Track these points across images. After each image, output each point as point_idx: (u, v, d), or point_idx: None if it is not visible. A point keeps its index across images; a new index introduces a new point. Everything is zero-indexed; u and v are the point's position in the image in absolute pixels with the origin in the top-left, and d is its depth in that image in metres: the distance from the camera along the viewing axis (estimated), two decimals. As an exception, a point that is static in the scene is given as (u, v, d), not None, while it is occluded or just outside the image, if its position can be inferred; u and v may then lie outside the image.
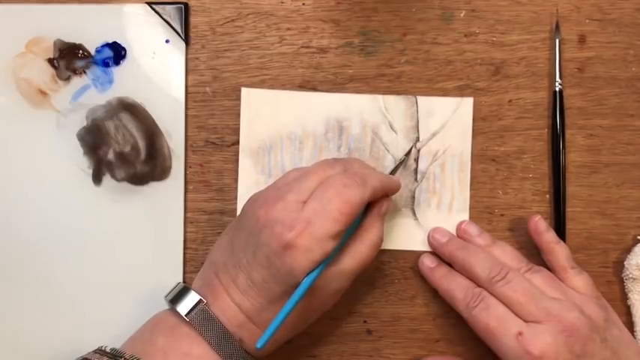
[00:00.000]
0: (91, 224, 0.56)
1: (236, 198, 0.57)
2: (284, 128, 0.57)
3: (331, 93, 0.57)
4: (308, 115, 0.57)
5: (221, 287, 0.49)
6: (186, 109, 0.57)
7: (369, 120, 0.57)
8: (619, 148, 0.57)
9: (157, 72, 0.57)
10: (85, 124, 0.57)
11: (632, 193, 0.57)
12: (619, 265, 0.56)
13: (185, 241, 0.57)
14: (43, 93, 0.57)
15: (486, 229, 0.56)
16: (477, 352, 0.56)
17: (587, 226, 0.57)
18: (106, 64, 0.57)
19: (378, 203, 0.52)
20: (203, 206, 0.57)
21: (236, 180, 0.57)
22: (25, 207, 0.56)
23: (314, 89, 0.57)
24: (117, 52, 0.57)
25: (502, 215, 0.57)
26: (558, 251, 0.53)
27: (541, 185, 0.57)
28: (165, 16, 0.57)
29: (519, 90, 0.57)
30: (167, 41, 0.57)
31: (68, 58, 0.57)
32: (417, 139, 0.57)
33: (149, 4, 0.57)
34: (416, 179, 0.57)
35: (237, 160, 0.57)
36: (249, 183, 0.56)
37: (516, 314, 0.50)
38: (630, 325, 0.56)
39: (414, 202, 0.57)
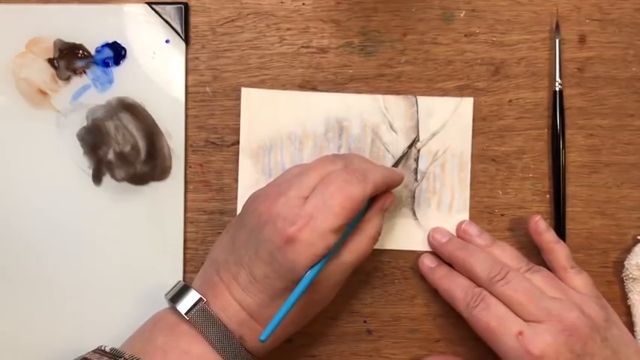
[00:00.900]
0: (91, 224, 0.56)
1: (236, 198, 0.57)
2: (284, 128, 0.57)
3: (331, 93, 0.57)
4: (308, 115, 0.57)
5: (222, 285, 0.49)
6: (187, 109, 0.57)
7: (369, 120, 0.57)
8: (619, 148, 0.57)
9: (157, 72, 0.57)
10: (85, 124, 0.57)
11: (632, 193, 0.57)
12: (619, 265, 0.56)
13: (185, 241, 0.57)
14: (43, 93, 0.57)
15: (486, 229, 0.56)
16: (477, 352, 0.56)
17: (587, 226, 0.57)
18: (106, 64, 0.57)
19: (381, 198, 0.52)
20: (203, 206, 0.57)
21: (236, 180, 0.57)
22: (25, 207, 0.56)
23: (314, 89, 0.57)
24: (117, 52, 0.57)
25: (502, 215, 0.57)
26: (558, 251, 0.53)
27: (541, 185, 0.57)
28: (165, 16, 0.57)
29: (519, 90, 0.57)
30: (167, 41, 0.57)
31: (68, 58, 0.57)
32: (417, 139, 0.57)
33: (149, 4, 0.57)
34: (416, 179, 0.57)
35: (237, 160, 0.57)
36: (249, 183, 0.56)
37: (516, 314, 0.50)
38: (630, 325, 0.56)
39: (414, 202, 0.57)
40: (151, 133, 0.56)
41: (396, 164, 0.56)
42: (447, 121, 0.57)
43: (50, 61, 0.57)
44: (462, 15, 0.57)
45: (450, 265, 0.55)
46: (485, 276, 0.52)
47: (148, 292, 0.56)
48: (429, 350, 0.57)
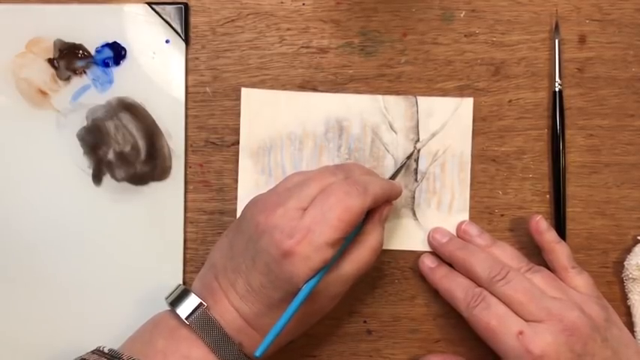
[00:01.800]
0: (91, 224, 0.56)
1: (236, 198, 0.57)
2: (284, 128, 0.57)
3: (331, 93, 0.57)
4: (308, 115, 0.57)
5: (220, 291, 0.49)
6: (187, 109, 0.57)
7: (369, 120, 0.57)
8: (619, 148, 0.57)
9: (157, 72, 0.57)
10: (85, 124, 0.57)
11: (632, 193, 0.57)
12: (619, 265, 0.56)
13: (185, 241, 0.57)
14: (43, 93, 0.57)
15: (486, 229, 0.56)
16: (477, 352, 0.56)
17: (587, 226, 0.57)
18: (106, 64, 0.57)
19: (378, 209, 0.51)
20: (203, 206, 0.57)
21: (236, 180, 0.57)
22: (24, 207, 0.56)
23: (314, 89, 0.57)
24: (117, 52, 0.57)
25: (502, 215, 0.57)
26: (559, 251, 0.53)
27: (541, 185, 0.57)
28: (165, 16, 0.57)
29: (519, 90, 0.57)
30: (167, 41, 0.57)
31: (68, 58, 0.57)
32: (417, 140, 0.57)
33: (149, 4, 0.57)
34: (416, 179, 0.57)
35: (237, 160, 0.57)
36: (249, 183, 0.56)
37: (517, 314, 0.50)
38: (630, 325, 0.56)
39: (414, 202, 0.57)
40: (151, 133, 0.56)
41: (393, 176, 0.56)
42: (447, 122, 0.57)
43: (50, 61, 0.57)
44: (462, 15, 0.57)
45: (450, 265, 0.55)
46: (485, 276, 0.52)
47: (147, 293, 0.56)
48: (429, 350, 0.57)
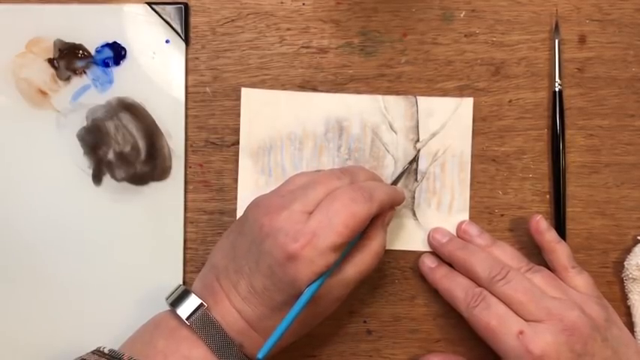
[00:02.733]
0: (91, 224, 0.56)
1: (236, 198, 0.57)
2: (284, 128, 0.57)
3: (331, 93, 0.57)
4: (308, 115, 0.57)
5: (222, 292, 0.49)
6: (187, 109, 0.57)
7: (369, 120, 0.57)
8: (619, 148, 0.57)
9: (157, 72, 0.57)
10: (85, 124, 0.57)
11: (632, 193, 0.57)
12: (619, 266, 0.56)
13: (185, 241, 0.57)
14: (43, 93, 0.57)
15: (486, 229, 0.56)
16: (477, 352, 0.56)
17: (587, 226, 0.57)
18: (106, 64, 0.57)
19: (382, 214, 0.51)
20: (203, 206, 0.57)
21: (236, 180, 0.57)
22: (24, 207, 0.56)
23: (314, 89, 0.57)
24: (117, 52, 0.57)
25: (502, 215, 0.57)
26: (559, 250, 0.53)
27: (541, 185, 0.57)
28: (165, 16, 0.57)
29: (519, 90, 0.57)
30: (167, 41, 0.57)
31: (68, 58, 0.57)
32: (417, 140, 0.57)
33: (149, 4, 0.57)
34: (416, 179, 0.57)
35: (237, 160, 0.57)
36: (249, 183, 0.56)
37: (517, 314, 0.50)
38: (630, 325, 0.56)
39: (414, 202, 0.57)
40: (151, 133, 0.56)
41: (396, 180, 0.56)
42: (447, 121, 0.57)
43: (50, 61, 0.57)
44: (462, 15, 0.57)
45: (450, 265, 0.55)
46: (485, 276, 0.52)
47: (147, 293, 0.56)
48: (429, 350, 0.57)
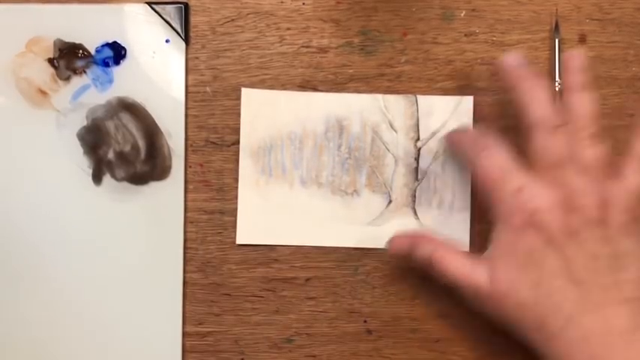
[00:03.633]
0: (91, 224, 0.56)
1: (236, 198, 0.57)
2: (284, 128, 0.57)
3: (331, 93, 0.57)
4: (308, 115, 0.57)
5: None
6: (187, 108, 0.57)
7: (369, 119, 0.57)
8: (619, 148, 0.57)
9: (157, 72, 0.57)
10: (85, 123, 0.57)
11: (633, 192, 0.57)
12: (619, 265, 0.56)
13: (185, 241, 0.57)
14: (43, 93, 0.57)
15: (486, 229, 0.56)
16: (477, 352, 0.56)
17: (587, 225, 0.57)
18: (106, 63, 0.57)
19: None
20: (203, 206, 0.57)
21: (236, 180, 0.57)
22: (24, 207, 0.56)
23: (314, 89, 0.57)
24: (117, 52, 0.57)
25: (502, 215, 0.57)
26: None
27: (541, 185, 0.57)
28: (165, 16, 0.57)
29: (519, 90, 0.57)
30: (167, 41, 0.57)
31: (68, 58, 0.57)
32: (418, 138, 0.57)
33: (149, 3, 0.57)
34: (417, 178, 0.57)
35: (237, 160, 0.57)
36: (249, 183, 0.56)
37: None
38: (631, 324, 0.55)
39: (414, 201, 0.57)
40: (151, 132, 0.56)
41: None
42: (448, 120, 0.57)
43: (50, 60, 0.57)
44: (462, 15, 0.57)
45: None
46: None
47: (147, 292, 0.56)
48: (429, 350, 0.57)
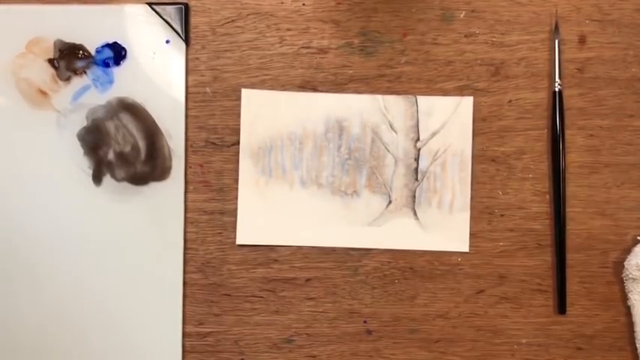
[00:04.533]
0: (91, 224, 0.56)
1: (236, 198, 0.57)
2: (284, 128, 0.57)
3: (331, 93, 0.57)
4: (308, 115, 0.57)
5: None
6: (187, 109, 0.57)
7: (369, 120, 0.57)
8: (619, 149, 0.57)
9: (157, 72, 0.57)
10: (85, 124, 0.57)
11: (632, 193, 0.57)
12: (619, 266, 0.56)
13: (185, 241, 0.57)
14: (43, 93, 0.57)
15: (486, 229, 0.56)
16: (477, 352, 0.56)
17: (586, 226, 0.57)
18: (106, 64, 0.57)
19: None
20: (203, 206, 0.57)
21: (236, 180, 0.57)
22: (25, 207, 0.56)
23: (314, 89, 0.57)
24: (117, 53, 0.57)
25: (502, 215, 0.57)
26: None
27: (541, 185, 0.57)
28: (165, 17, 0.57)
29: (519, 90, 0.57)
30: (167, 41, 0.57)
31: (68, 59, 0.57)
32: (418, 139, 0.57)
33: (149, 4, 0.57)
34: (416, 179, 0.57)
35: (237, 160, 0.57)
36: (249, 183, 0.56)
37: None
38: (630, 325, 0.56)
39: (414, 201, 0.57)
40: (151, 133, 0.56)
41: None
42: (447, 121, 0.57)
43: (50, 61, 0.57)
44: (461, 15, 0.57)
45: None
46: None
47: (147, 292, 0.56)
48: (429, 350, 0.57)
